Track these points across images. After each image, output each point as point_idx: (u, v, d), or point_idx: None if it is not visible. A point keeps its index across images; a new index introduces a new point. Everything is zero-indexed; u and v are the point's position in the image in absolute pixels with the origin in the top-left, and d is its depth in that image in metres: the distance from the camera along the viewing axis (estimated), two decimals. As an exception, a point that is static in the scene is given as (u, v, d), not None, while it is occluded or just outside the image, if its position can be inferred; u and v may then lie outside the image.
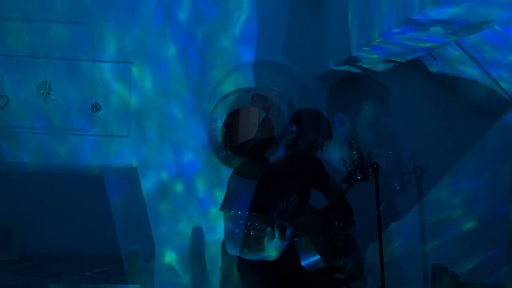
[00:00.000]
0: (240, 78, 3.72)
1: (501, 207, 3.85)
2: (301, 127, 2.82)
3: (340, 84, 3.68)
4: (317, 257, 2.68)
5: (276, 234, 2.49)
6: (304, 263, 2.71)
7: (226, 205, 2.79)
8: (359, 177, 2.89)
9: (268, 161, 2.87)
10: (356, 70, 3.39)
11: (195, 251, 3.69)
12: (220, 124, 3.73)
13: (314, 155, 2.86)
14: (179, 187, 3.68)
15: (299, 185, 2.91)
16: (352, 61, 3.12)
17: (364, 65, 3.23)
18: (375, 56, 2.97)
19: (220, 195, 3.01)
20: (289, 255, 2.69)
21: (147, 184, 3.66)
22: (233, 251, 2.79)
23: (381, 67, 3.27)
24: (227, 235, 2.81)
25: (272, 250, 2.57)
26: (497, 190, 3.84)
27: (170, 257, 3.68)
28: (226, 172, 3.07)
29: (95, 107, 3.57)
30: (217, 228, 3.58)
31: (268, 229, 2.49)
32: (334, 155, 3.59)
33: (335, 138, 3.66)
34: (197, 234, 3.69)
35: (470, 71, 3.39)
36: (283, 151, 2.84)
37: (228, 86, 3.72)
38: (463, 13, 2.08)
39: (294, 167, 2.89)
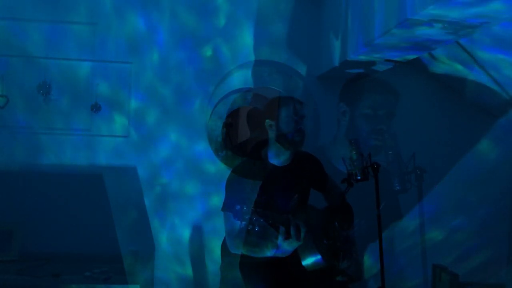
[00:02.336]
0: (240, 78, 3.72)
1: (501, 207, 3.85)
2: (275, 116, 2.84)
3: (345, 83, 3.69)
4: (318, 257, 2.69)
5: (292, 234, 2.56)
6: (305, 263, 2.71)
7: (227, 206, 2.80)
8: (359, 177, 2.88)
9: (266, 160, 2.88)
10: (356, 70, 3.39)
11: (195, 251, 3.69)
12: (220, 124, 3.73)
13: (301, 127, 2.86)
14: (179, 187, 3.68)
15: (299, 184, 2.91)
16: (352, 61, 3.12)
17: (365, 65, 3.23)
18: (375, 56, 2.97)
19: (220, 195, 3.02)
20: (291, 255, 2.70)
21: (147, 184, 3.66)
22: (235, 249, 2.80)
23: (381, 67, 3.27)
24: (228, 234, 2.81)
25: (285, 249, 2.63)
26: (497, 190, 3.83)
27: (170, 257, 3.68)
28: (226, 172, 3.07)
29: (95, 107, 3.56)
30: (217, 228, 3.58)
31: (270, 228, 2.54)
32: (335, 154, 3.59)
33: (339, 133, 3.68)
34: (197, 234, 3.69)
35: (471, 71, 3.39)
36: (274, 148, 2.86)
37: (228, 86, 3.72)
38: (463, 13, 2.08)
39: (294, 166, 2.89)
